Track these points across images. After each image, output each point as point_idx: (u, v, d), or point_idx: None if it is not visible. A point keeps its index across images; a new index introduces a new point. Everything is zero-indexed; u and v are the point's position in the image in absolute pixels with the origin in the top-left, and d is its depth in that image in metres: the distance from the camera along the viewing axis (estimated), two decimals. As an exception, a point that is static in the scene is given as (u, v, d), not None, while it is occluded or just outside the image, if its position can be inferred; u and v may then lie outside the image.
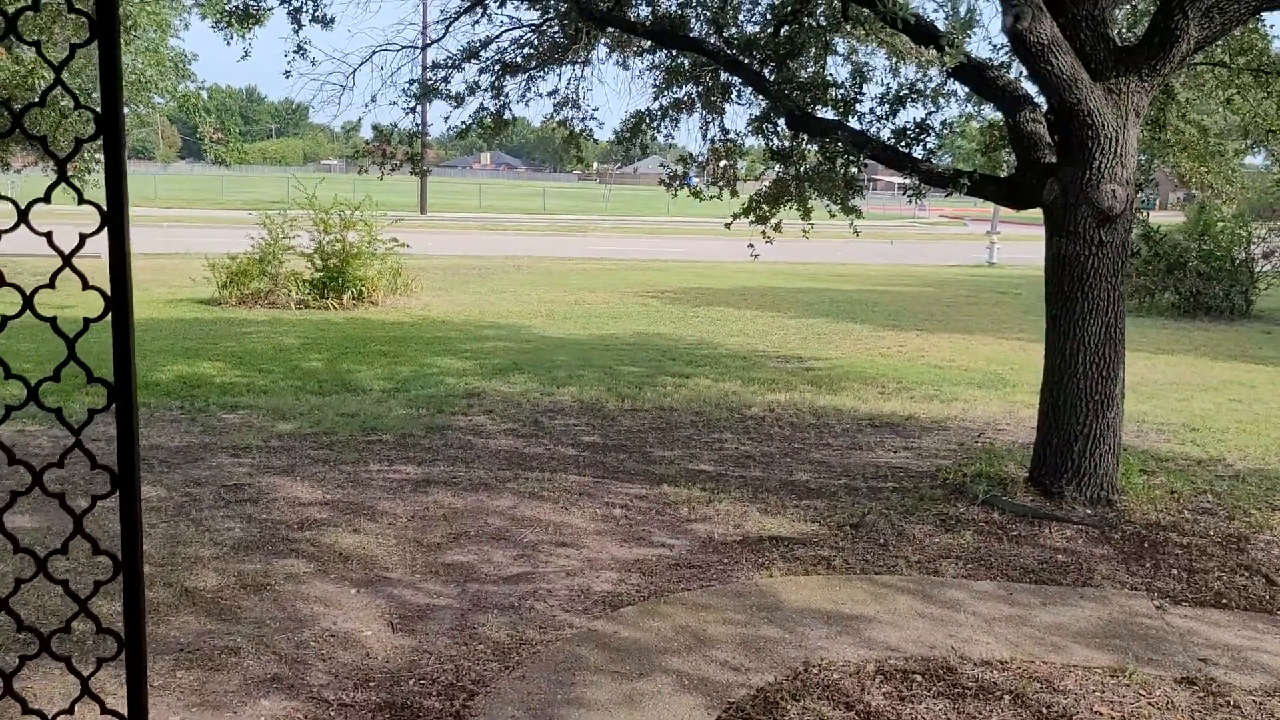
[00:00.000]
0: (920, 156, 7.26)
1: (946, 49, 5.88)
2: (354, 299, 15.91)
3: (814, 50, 8.79)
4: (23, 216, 1.55)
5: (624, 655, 4.34)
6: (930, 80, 8.90)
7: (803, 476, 7.36)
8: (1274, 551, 5.79)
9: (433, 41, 9.93)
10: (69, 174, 1.58)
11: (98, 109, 1.48)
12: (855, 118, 7.65)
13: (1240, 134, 9.46)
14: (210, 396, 9.28)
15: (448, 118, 10.19)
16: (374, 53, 9.40)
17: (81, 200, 1.56)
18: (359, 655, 4.35)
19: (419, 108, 10.77)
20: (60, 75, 1.50)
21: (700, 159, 11.23)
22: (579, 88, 11.18)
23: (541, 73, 10.69)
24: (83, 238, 1.52)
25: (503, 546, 5.76)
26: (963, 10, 7.29)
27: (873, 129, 7.56)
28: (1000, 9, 5.90)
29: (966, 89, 8.23)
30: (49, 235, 1.53)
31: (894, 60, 10.00)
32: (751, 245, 9.69)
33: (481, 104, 10.25)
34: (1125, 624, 4.78)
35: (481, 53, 10.14)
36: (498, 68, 10.26)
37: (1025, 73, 7.80)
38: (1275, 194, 17.66)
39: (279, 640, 4.46)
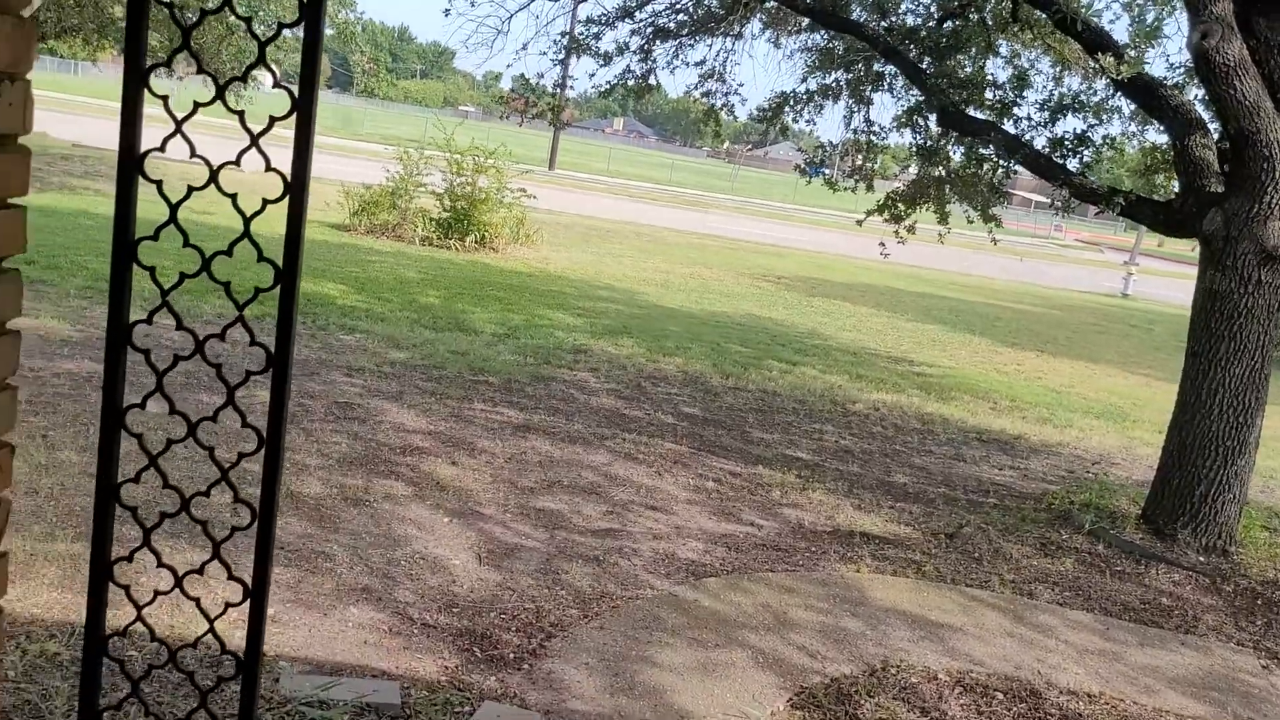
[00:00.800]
0: (1074, 169, 6.99)
1: (1125, 57, 5.62)
2: (476, 243, 16.17)
3: (975, 48, 8.55)
4: (220, 93, 1.60)
5: (703, 624, 4.33)
6: (1095, 93, 8.57)
7: (901, 479, 7.22)
8: (1399, 631, 5.45)
9: (589, -4, 9.95)
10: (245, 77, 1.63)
11: (303, -6, 1.50)
12: (1011, 121, 7.41)
13: None
14: (331, 316, 9.56)
15: (593, 75, 10.25)
16: (532, 0, 9.46)
17: (276, 83, 1.60)
18: (445, 580, 4.45)
19: (566, 61, 10.84)
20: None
21: (839, 149, 11.06)
22: (727, 61, 11.10)
23: (692, 41, 10.64)
24: (272, 119, 1.56)
25: (593, 500, 5.80)
26: (1150, 18, 6.94)
27: (1027, 135, 7.31)
28: (1187, 24, 5.61)
29: (1132, 106, 7.90)
30: (241, 115, 1.58)
31: (1058, 67, 9.66)
32: (883, 244, 9.51)
33: (628, 65, 10.26)
34: (1226, 678, 4.57)
35: (636, 13, 10.13)
36: (650, 31, 10.25)
37: (1201, 95, 7.46)
38: None
39: (372, 554, 4.58)
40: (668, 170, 57.86)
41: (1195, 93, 7.62)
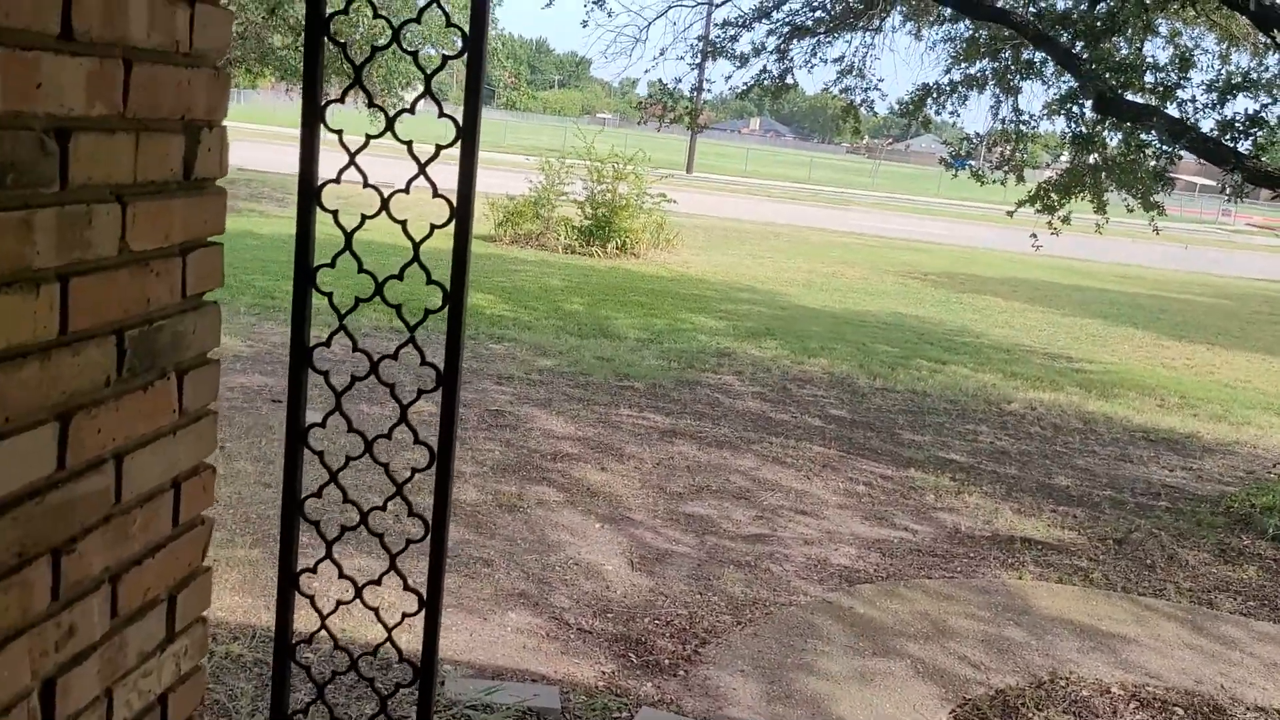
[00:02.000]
0: (1247, 152, 6.57)
1: None
2: (617, 249, 16.36)
3: (1133, 29, 8.14)
4: (389, 125, 1.67)
5: (859, 631, 4.26)
6: (1266, 69, 8.06)
7: (1063, 481, 6.94)
8: None
9: (725, 0, 9.95)
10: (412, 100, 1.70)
11: (465, 29, 1.56)
12: (1174, 105, 7.03)
13: None
14: (480, 326, 9.84)
15: (729, 77, 10.27)
16: (669, 8, 9.55)
17: (441, 114, 1.66)
18: (599, 585, 4.51)
19: (703, 65, 10.86)
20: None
21: (987, 140, 10.71)
22: (866, 56, 10.92)
23: (830, 38, 10.51)
24: (439, 147, 1.62)
25: (742, 505, 5.79)
26: None
27: (1193, 119, 6.92)
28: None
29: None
30: (409, 144, 1.64)
31: (1225, 45, 9.13)
32: (1034, 235, 9.18)
33: (765, 65, 10.21)
34: None
35: (773, 13, 10.07)
36: (786, 30, 10.17)
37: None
38: None
39: (528, 560, 4.69)
40: (806, 168, 57.26)
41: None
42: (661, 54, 10.18)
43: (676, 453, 6.62)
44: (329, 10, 1.60)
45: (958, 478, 6.71)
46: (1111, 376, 10.88)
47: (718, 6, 10.11)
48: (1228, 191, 7.02)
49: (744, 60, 9.99)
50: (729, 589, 4.62)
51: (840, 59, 10.63)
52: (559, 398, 7.61)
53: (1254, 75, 7.20)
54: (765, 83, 10.28)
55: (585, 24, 9.46)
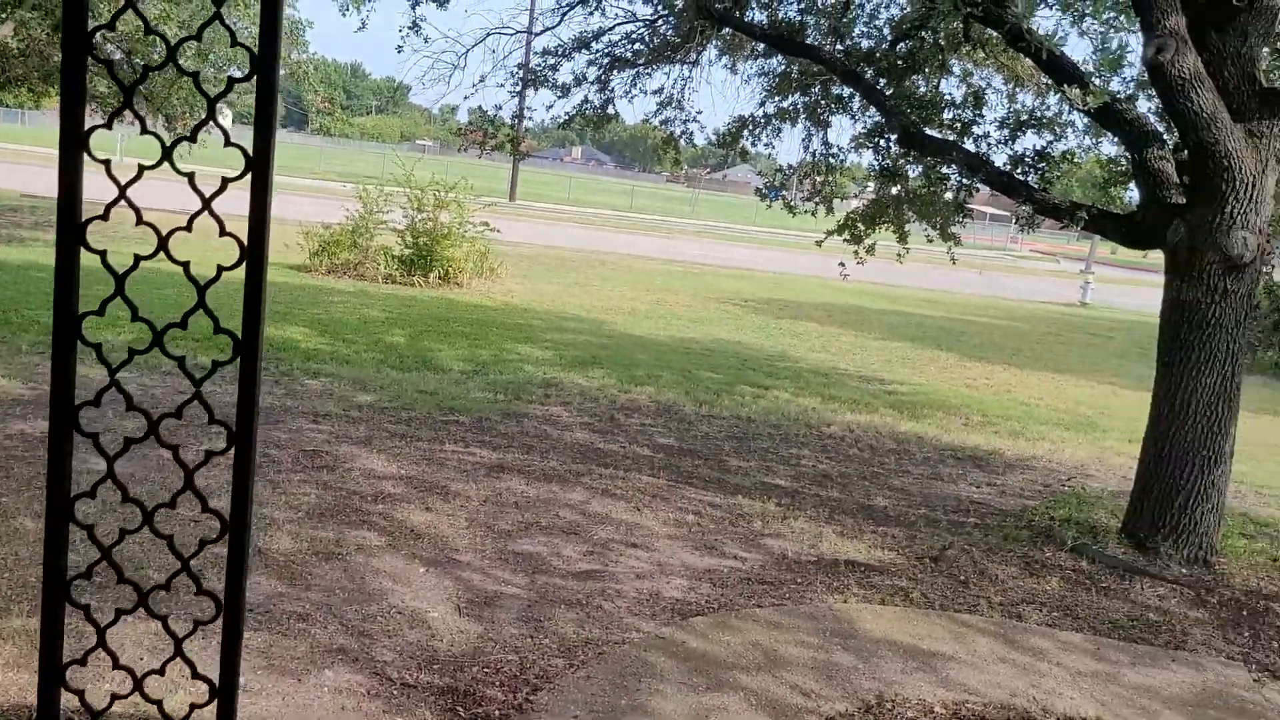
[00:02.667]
0: (1036, 185, 7.00)
1: (1091, 87, 5.63)
2: (440, 278, 16.03)
3: (930, 69, 8.58)
4: (167, 154, 1.49)
5: (693, 667, 4.22)
6: (1048, 108, 8.63)
7: (881, 502, 7.16)
8: (1384, 635, 5.44)
9: (546, 29, 9.91)
10: (197, 130, 1.53)
11: (254, 48, 1.41)
12: (971, 140, 7.43)
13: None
14: (294, 361, 9.38)
15: (550, 107, 10.20)
16: (488, 35, 9.43)
17: (228, 142, 1.49)
18: (425, 635, 4.30)
19: (524, 93, 10.78)
20: (219, 11, 1.44)
21: (798, 172, 11.05)
22: (684, 88, 11.08)
23: (649, 70, 10.62)
24: (225, 181, 1.45)
25: (573, 541, 5.68)
26: (1114, 45, 6.98)
27: (988, 153, 7.33)
28: (1141, 39, 5.65)
29: (1086, 120, 7.95)
30: (191, 176, 1.47)
31: (1011, 85, 9.73)
32: (842, 264, 9.50)
33: (586, 96, 10.21)
34: (1220, 694, 4.52)
35: (592, 44, 10.10)
36: (607, 60, 10.21)
37: (1155, 108, 7.52)
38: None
39: (347, 611, 4.43)
40: (628, 197, 58.01)
41: (1148, 105, 7.70)
42: (481, 81, 10.06)
43: (504, 488, 6.45)
44: (92, 24, 1.41)
45: (783, 503, 6.81)
46: (921, 397, 11.39)
47: (537, 35, 10.06)
48: (1020, 222, 7.47)
49: (565, 90, 9.97)
50: (561, 630, 4.49)
51: (660, 90, 10.75)
52: (380, 435, 7.31)
53: (1040, 113, 7.68)
54: (587, 113, 10.28)
55: (400, 49, 9.20)
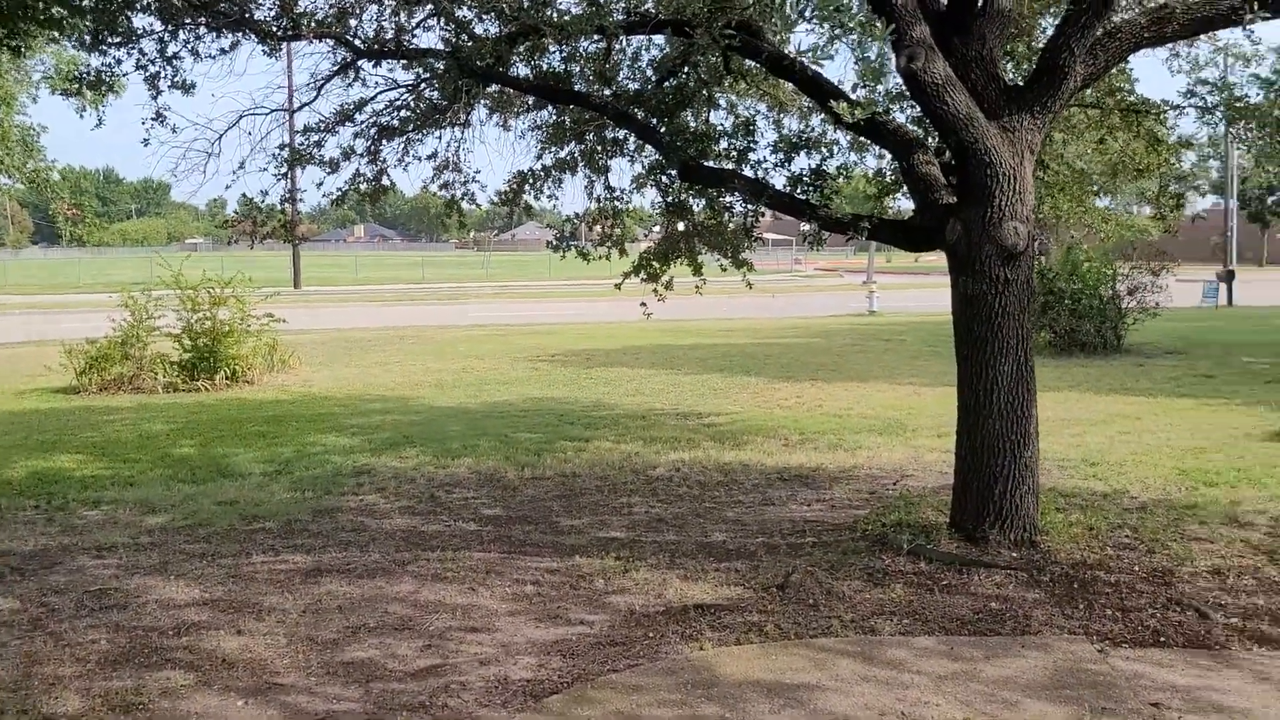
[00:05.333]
0: (817, 203, 7.17)
1: (855, 99, 5.78)
2: (228, 379, 15.08)
3: (698, 103, 8.72)
4: None
5: (554, 753, 3.92)
6: (812, 129, 8.91)
7: (719, 537, 7.06)
8: (1199, 584, 5.74)
9: (303, 105, 9.46)
10: None
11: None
12: (749, 167, 7.55)
13: (1109, 174, 9.73)
14: (69, 493, 8.49)
15: (321, 184, 9.72)
16: (241, 117, 8.89)
17: None
18: (251, 779, 3.82)
19: (290, 174, 10.28)
20: None
21: (586, 219, 11.01)
22: (459, 150, 10.86)
23: (420, 135, 10.34)
24: None
25: (407, 637, 5.27)
26: (873, 55, 7.23)
27: (767, 178, 7.46)
28: (893, 51, 5.85)
29: (850, 137, 8.25)
30: None
31: (776, 111, 10.01)
32: (644, 304, 9.48)
33: (357, 169, 9.83)
34: (1072, 672, 4.59)
35: (356, 115, 9.74)
36: (373, 131, 9.87)
37: (911, 116, 7.88)
38: (1134, 234, 18.42)
39: (156, 770, 3.89)
40: (418, 268, 57.10)
41: (904, 114, 8.05)
42: (241, 166, 9.46)
43: (324, 593, 5.95)
44: None
45: (622, 555, 6.60)
46: (739, 425, 11.48)
47: (295, 112, 9.60)
48: (807, 240, 7.63)
49: (334, 166, 9.55)
50: (405, 741, 4.10)
51: (434, 155, 10.49)
52: (176, 558, 6.64)
53: (809, 134, 7.90)
54: (361, 187, 9.89)
55: (147, 143, 8.56)
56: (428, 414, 12.62)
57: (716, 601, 5.69)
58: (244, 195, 9.69)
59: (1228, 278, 32.63)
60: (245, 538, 7.13)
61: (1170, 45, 8.01)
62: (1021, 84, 6.22)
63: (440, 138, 10.65)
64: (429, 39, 9.61)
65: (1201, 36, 7.39)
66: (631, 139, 9.11)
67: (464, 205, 10.90)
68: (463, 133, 10.76)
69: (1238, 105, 8.13)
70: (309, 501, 8.17)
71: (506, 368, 17.21)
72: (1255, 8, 5.57)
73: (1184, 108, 8.07)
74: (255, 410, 12.95)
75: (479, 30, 8.72)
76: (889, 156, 8.08)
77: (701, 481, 8.79)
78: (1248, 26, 5.81)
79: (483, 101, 10.55)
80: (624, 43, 8.96)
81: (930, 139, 7.39)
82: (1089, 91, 8.03)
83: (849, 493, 8.27)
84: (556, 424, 11.74)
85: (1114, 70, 7.77)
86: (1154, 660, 4.74)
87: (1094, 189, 9.87)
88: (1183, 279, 20.59)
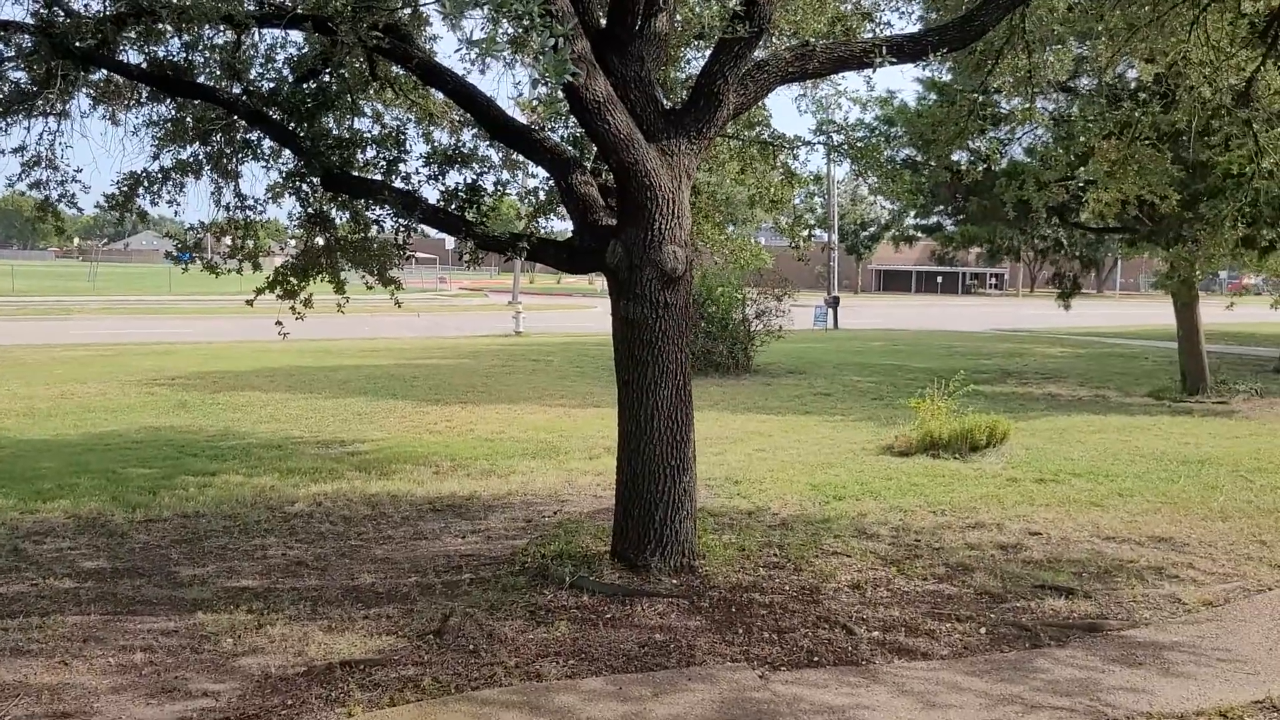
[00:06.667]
0: (474, 220, 6.81)
1: (542, 98, 5.45)
2: None
3: (341, 108, 8.09)
4: None
5: None
6: (464, 144, 8.56)
7: (367, 579, 6.46)
8: (843, 599, 5.99)
9: None
10: None
11: None
12: (400, 179, 7.05)
13: (748, 204, 10.23)
14: None
15: None
16: None
17: None
18: None
19: None
20: None
21: (214, 229, 9.93)
22: (55, 144, 9.39)
23: (4, 124, 8.81)
24: None
25: (-28, 736, 4.24)
26: (555, 44, 6.91)
27: (421, 190, 7.00)
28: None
29: (502, 152, 7.99)
30: None
31: (425, 123, 9.57)
32: (279, 323, 8.65)
33: (-82, 161, 8.17)
34: (737, 702, 4.54)
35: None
36: (-67, 118, 8.26)
37: (566, 135, 7.75)
38: (760, 262, 19.79)
39: None
40: (7, 279, 50.07)
41: (556, 134, 7.92)
42: None
43: None
44: None
45: (255, 608, 5.83)
46: (386, 453, 10.83)
47: None
48: (464, 259, 7.25)
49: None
50: None
51: (22, 149, 8.97)
52: None
53: (464, 148, 7.53)
54: (-78, 180, 8.21)
55: None
56: (13, 449, 10.78)
57: (366, 655, 5.13)
58: None
59: (834, 303, 36.28)
60: None
61: (801, 85, 8.55)
62: (679, 108, 6.24)
63: (30, 129, 9.15)
64: (15, 11, 8.19)
65: (830, 79, 7.91)
66: (267, 142, 8.28)
67: (62, 209, 9.44)
68: (59, 124, 9.31)
69: (859, 145, 8.80)
70: None
71: (116, 393, 15.23)
72: (884, 52, 5.96)
73: (815, 144, 8.60)
74: None
75: (78, 6, 7.54)
76: (543, 174, 7.93)
77: (346, 516, 8.10)
78: (876, 70, 6.20)
79: (85, 89, 9.19)
80: (257, 35, 8.14)
81: (587, 158, 7.30)
82: (729, 124, 8.34)
83: (505, 522, 7.96)
84: (176, 456, 10.45)
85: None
86: (810, 681, 4.82)
87: (736, 218, 10.32)
88: (796, 304, 22.41)
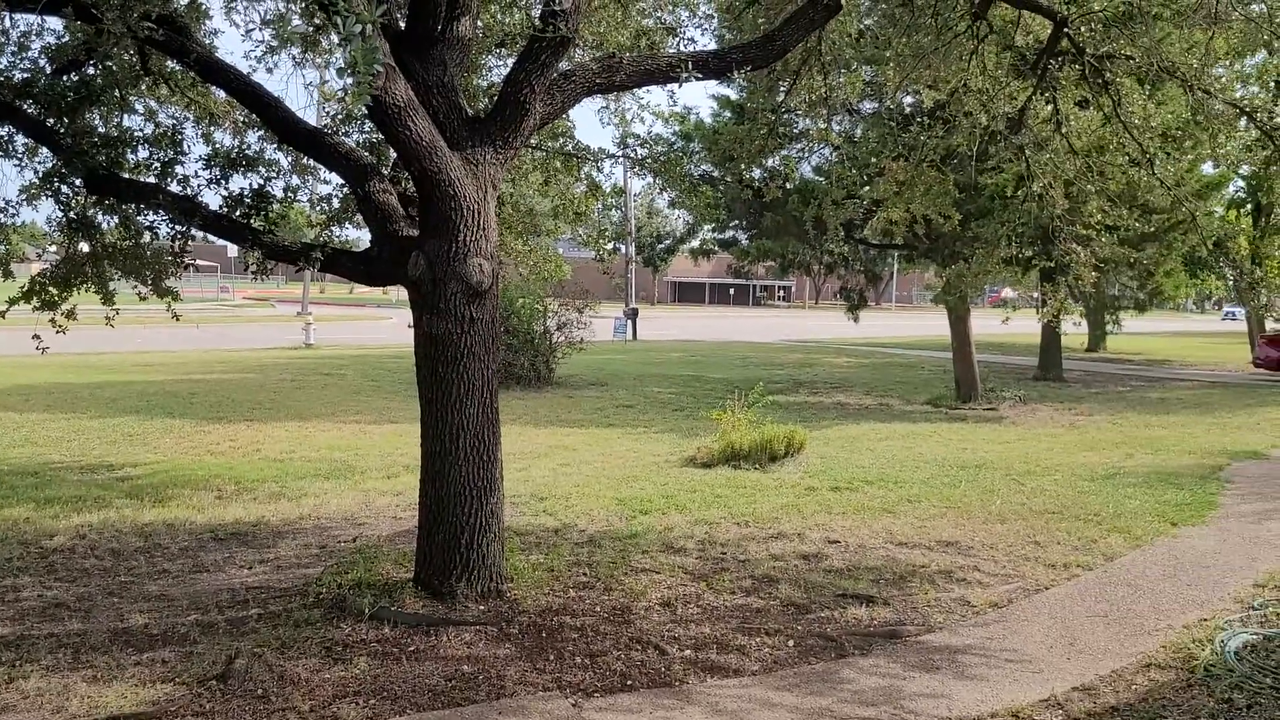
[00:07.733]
0: (261, 228, 6.34)
1: (352, 86, 5.06)
2: None
3: (109, 104, 7.39)
4: None
5: None
6: (249, 146, 8.03)
7: (139, 619, 5.87)
8: (654, 618, 5.92)
9: None
10: None
11: None
12: (176, 182, 6.48)
13: (552, 215, 10.10)
14: None
15: None
16: None
17: None
18: None
19: None
20: None
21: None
22: None
23: None
24: None
25: None
26: (367, 30, 6.46)
27: (201, 195, 6.46)
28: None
29: (291, 156, 7.52)
30: None
31: (206, 123, 8.94)
32: (38, 337, 7.81)
33: None
34: (551, 734, 4.37)
35: None
36: None
37: (361, 140, 7.37)
38: (562, 274, 19.70)
39: None
40: None
41: (351, 139, 7.52)
42: None
43: None
44: None
45: (4, 659, 5.18)
46: (161, 477, 10.00)
47: None
48: (251, 270, 6.75)
49: None
50: None
51: None
52: None
53: (250, 151, 7.02)
54: None
55: None
56: None
57: (138, 708, 4.62)
58: None
59: (632, 315, 36.70)
60: None
61: (604, 97, 8.49)
62: (484, 116, 6.02)
63: None
64: None
65: (634, 92, 7.88)
66: (20, 139, 7.46)
67: None
68: None
69: (661, 160, 8.83)
70: None
71: None
72: (690, 68, 5.95)
73: (618, 158, 8.56)
74: None
75: None
76: (337, 180, 7.51)
77: (115, 550, 7.38)
78: (682, 84, 6.19)
79: None
80: (9, 21, 7.32)
81: (385, 165, 6.96)
82: (534, 135, 8.18)
83: (297, 549, 7.46)
84: (-90, 488, 9.27)
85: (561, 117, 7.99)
86: (624, 707, 4.70)
87: (540, 229, 10.16)
88: (596, 316, 22.47)
